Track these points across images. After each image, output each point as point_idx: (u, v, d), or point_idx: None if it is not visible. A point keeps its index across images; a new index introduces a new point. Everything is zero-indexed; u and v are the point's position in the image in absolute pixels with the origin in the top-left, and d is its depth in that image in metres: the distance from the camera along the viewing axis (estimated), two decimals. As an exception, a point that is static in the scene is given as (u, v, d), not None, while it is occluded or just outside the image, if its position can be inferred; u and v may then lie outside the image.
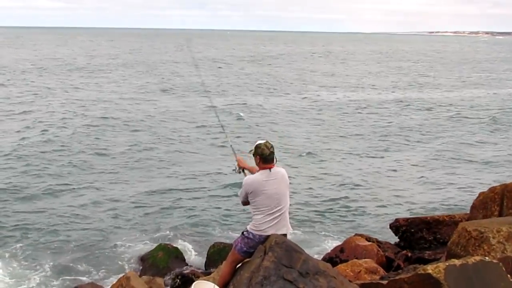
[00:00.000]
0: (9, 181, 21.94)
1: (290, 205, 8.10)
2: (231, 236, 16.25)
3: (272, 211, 7.69)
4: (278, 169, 7.88)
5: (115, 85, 56.82)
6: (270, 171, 7.76)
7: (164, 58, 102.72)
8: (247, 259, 7.89)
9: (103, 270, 14.90)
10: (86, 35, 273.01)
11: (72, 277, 14.30)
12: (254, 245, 7.77)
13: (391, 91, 56.70)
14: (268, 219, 7.70)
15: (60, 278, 14.30)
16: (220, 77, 67.86)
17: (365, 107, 45.24)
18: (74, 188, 21.41)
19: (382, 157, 27.91)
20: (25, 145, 27.62)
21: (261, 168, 7.81)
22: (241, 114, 39.86)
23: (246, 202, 7.93)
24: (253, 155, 7.86)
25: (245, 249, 7.87)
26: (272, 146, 7.81)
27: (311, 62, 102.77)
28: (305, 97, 50.58)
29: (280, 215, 7.76)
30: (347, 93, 54.76)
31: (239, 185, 7.93)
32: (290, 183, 8.10)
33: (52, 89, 51.77)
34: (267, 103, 46.49)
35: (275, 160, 7.84)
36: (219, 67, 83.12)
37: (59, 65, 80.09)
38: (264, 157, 7.75)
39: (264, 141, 7.90)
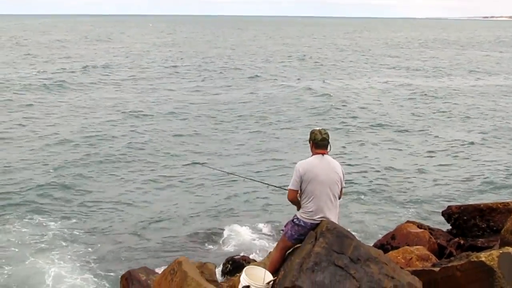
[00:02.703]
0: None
1: (342, 196, 8.17)
2: (282, 221, 16.27)
3: (323, 198, 7.73)
4: (332, 159, 7.96)
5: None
6: (323, 156, 7.86)
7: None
8: (298, 245, 7.97)
9: (155, 255, 15.14)
10: (160, 22, 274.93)
11: (125, 262, 14.57)
12: (305, 232, 7.83)
13: None
14: (319, 207, 7.74)
15: (113, 263, 14.57)
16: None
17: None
18: (132, 172, 22.01)
19: (438, 142, 27.56)
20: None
21: (314, 154, 7.91)
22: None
23: (294, 194, 7.96)
24: (308, 141, 8.01)
25: (295, 236, 7.94)
26: (326, 133, 7.92)
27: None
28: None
29: (331, 203, 7.80)
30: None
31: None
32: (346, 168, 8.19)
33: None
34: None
35: (329, 148, 7.92)
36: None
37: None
38: (316, 142, 7.87)
39: (320, 128, 8.06)
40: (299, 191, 7.88)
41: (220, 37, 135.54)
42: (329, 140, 7.95)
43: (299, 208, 7.97)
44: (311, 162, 7.82)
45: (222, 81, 49.55)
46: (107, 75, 52.31)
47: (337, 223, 7.83)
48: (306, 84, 47.63)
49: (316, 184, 7.68)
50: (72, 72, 52.63)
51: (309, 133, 8.06)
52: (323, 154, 7.86)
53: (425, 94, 42.86)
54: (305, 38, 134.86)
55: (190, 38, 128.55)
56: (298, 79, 51.94)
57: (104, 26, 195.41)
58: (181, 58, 71.33)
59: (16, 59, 65.79)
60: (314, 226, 7.74)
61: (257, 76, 53.21)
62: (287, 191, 8.04)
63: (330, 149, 7.95)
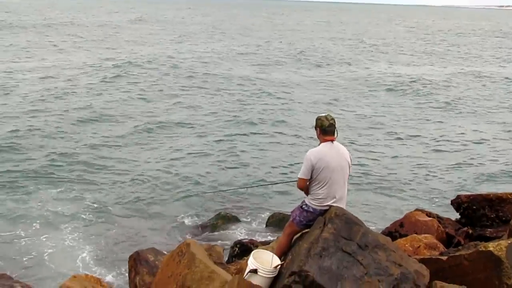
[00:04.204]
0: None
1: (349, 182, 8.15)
2: (290, 206, 16.28)
3: (333, 185, 7.71)
4: (341, 146, 7.93)
5: None
6: (332, 143, 7.81)
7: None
8: (306, 230, 7.98)
9: (164, 236, 15.25)
10: (182, 4, 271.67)
11: (134, 242, 14.67)
12: (313, 218, 7.82)
13: None
14: (329, 193, 7.72)
15: (122, 243, 14.71)
16: None
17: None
18: (139, 154, 22.17)
19: (452, 131, 27.50)
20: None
21: (322, 141, 7.86)
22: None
23: (304, 183, 7.90)
24: (315, 128, 7.95)
25: (304, 222, 7.93)
26: (332, 119, 7.85)
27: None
28: None
29: (340, 189, 7.78)
30: None
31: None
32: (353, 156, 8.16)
33: None
34: None
35: (336, 134, 7.87)
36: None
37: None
38: (323, 128, 7.80)
39: (326, 114, 7.98)
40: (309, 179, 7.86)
41: (257, 21, 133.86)
42: (336, 126, 7.89)
43: (307, 194, 7.96)
44: (321, 151, 7.77)
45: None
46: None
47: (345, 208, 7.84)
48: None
49: (327, 172, 7.65)
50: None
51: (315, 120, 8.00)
52: (332, 141, 7.82)
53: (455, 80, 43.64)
54: (346, 24, 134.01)
55: (226, 21, 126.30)
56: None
57: (135, 7, 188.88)
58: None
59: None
60: (323, 212, 7.74)
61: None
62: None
63: (337, 135, 7.90)
